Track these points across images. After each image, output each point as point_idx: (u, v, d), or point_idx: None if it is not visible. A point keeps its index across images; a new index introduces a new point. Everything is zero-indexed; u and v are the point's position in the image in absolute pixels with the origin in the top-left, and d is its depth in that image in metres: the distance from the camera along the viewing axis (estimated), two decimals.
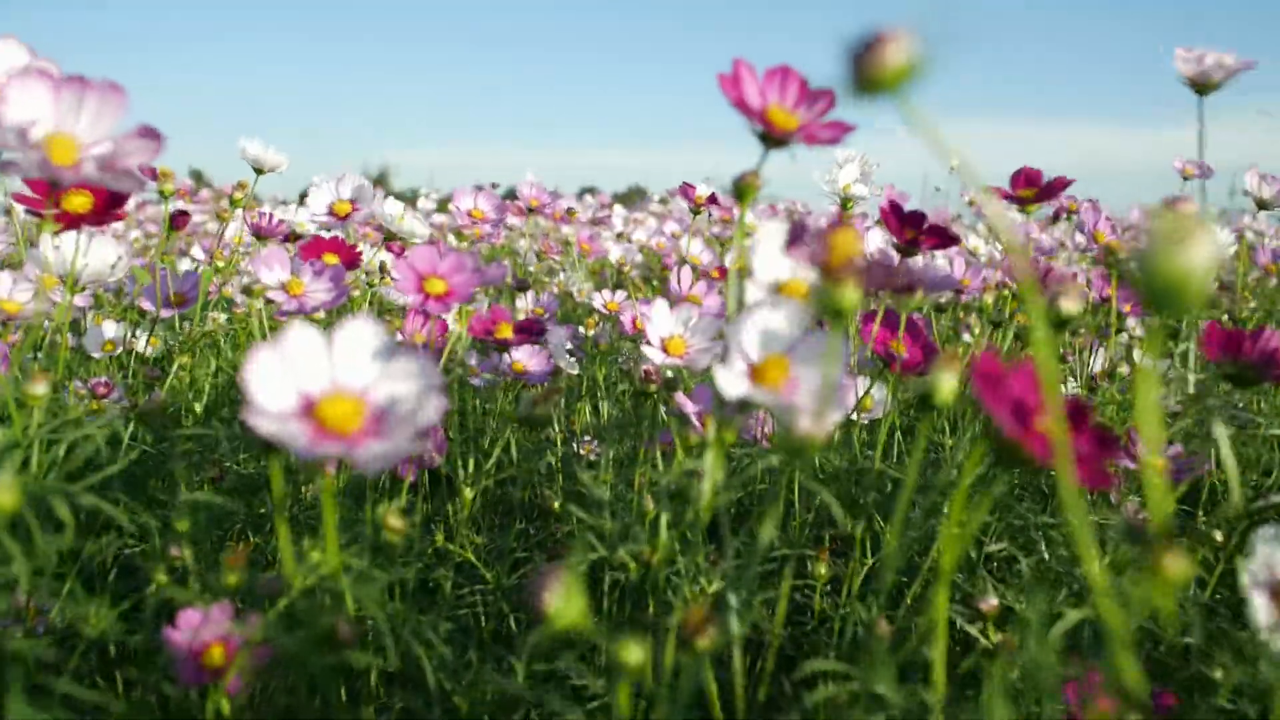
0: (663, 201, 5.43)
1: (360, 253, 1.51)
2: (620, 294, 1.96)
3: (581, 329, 2.04)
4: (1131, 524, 0.86)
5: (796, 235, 0.54)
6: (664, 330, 1.08)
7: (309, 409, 0.53)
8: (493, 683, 0.84)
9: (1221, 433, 0.75)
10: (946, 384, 0.58)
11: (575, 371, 1.73)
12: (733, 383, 0.64)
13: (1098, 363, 1.58)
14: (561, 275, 2.85)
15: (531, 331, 1.13)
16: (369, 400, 0.54)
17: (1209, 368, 0.88)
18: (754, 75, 0.71)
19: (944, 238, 1.09)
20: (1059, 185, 1.25)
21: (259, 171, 1.55)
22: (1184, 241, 0.32)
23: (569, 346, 1.79)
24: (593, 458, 1.69)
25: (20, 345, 1.38)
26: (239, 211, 1.63)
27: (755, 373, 0.65)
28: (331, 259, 1.48)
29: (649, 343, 1.06)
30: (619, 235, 3.34)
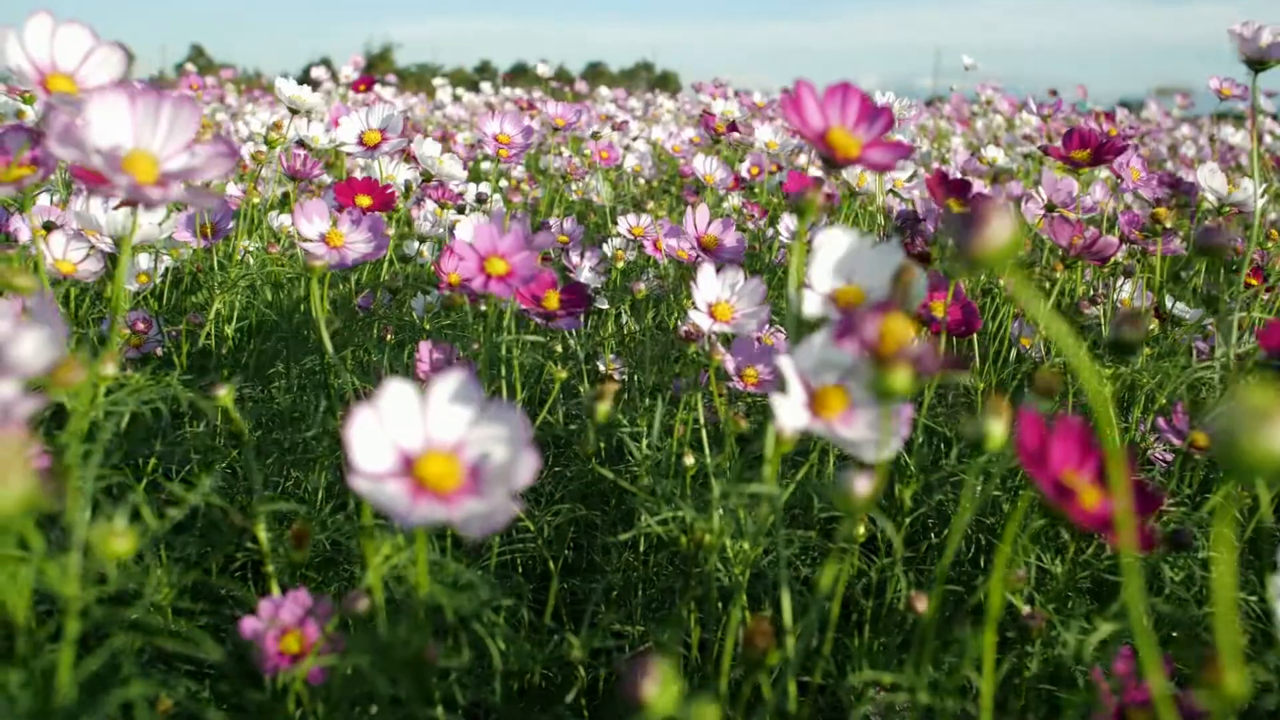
0: (672, 93, 5.35)
1: (394, 194, 1.52)
2: (645, 218, 1.96)
3: (606, 249, 2.05)
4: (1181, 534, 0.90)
5: (848, 324, 0.56)
6: (710, 295, 1.10)
7: (407, 467, 0.55)
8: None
9: None
10: (997, 431, 0.60)
11: (605, 306, 1.75)
12: (792, 413, 0.66)
13: (1125, 290, 1.60)
14: (580, 183, 2.85)
15: (577, 299, 1.15)
16: (463, 457, 0.57)
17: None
18: (814, 95, 0.72)
19: None
20: (1113, 148, 1.24)
21: (294, 112, 1.55)
22: (1269, 421, 0.35)
23: (594, 277, 1.81)
24: (617, 377, 1.73)
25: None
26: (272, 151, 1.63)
27: (814, 401, 0.67)
28: (364, 200, 1.49)
29: (696, 308, 1.08)
30: (634, 139, 3.32)
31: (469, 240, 0.92)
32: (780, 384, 0.67)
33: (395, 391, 0.56)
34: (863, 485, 0.57)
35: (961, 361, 0.56)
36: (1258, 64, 1.21)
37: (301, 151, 1.53)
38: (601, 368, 1.71)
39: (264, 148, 1.63)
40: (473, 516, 0.54)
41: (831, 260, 0.76)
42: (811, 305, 0.74)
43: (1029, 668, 0.88)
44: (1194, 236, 0.91)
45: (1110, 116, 2.49)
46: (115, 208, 1.20)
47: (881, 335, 0.53)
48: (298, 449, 1.34)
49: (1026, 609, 0.89)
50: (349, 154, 1.54)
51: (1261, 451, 0.35)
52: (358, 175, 2.19)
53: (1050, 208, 1.35)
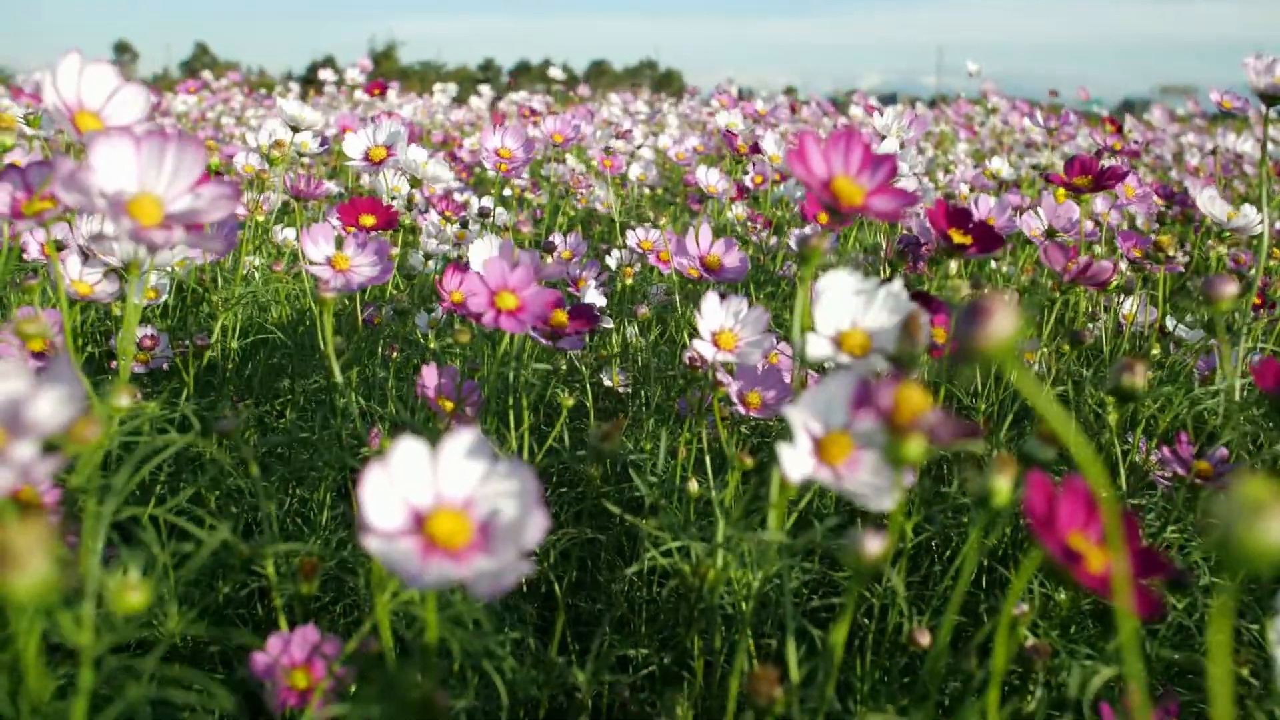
0: (676, 95, 5.36)
1: (397, 212, 1.53)
2: (654, 232, 1.97)
3: (610, 260, 2.06)
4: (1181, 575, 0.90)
5: (864, 394, 0.56)
6: (714, 324, 1.10)
7: (418, 524, 0.56)
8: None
9: None
10: (1003, 487, 0.61)
11: (610, 325, 1.76)
12: (798, 462, 0.67)
13: (1127, 306, 1.61)
14: (584, 191, 2.85)
15: (586, 318, 1.15)
16: (473, 514, 0.57)
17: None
18: (818, 144, 0.73)
19: (990, 239, 1.10)
20: (1115, 174, 1.25)
21: (295, 129, 1.55)
22: (1265, 514, 0.36)
23: (599, 296, 1.82)
24: (621, 390, 1.74)
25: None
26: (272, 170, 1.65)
27: (819, 449, 0.68)
28: (368, 219, 1.50)
29: (700, 337, 1.09)
30: (638, 148, 3.32)
31: (479, 273, 0.93)
32: (785, 432, 0.67)
33: (406, 449, 0.57)
34: (874, 545, 0.58)
35: (975, 429, 0.57)
36: (1270, 98, 1.21)
37: (307, 158, 1.53)
38: (607, 382, 1.71)
39: (267, 166, 1.64)
40: (482, 575, 0.54)
41: (836, 303, 0.77)
42: (816, 349, 0.75)
43: (1033, 698, 0.89)
44: (1199, 286, 0.91)
45: (1117, 126, 2.50)
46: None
47: (897, 404, 0.54)
48: (303, 467, 1.35)
49: (1030, 640, 0.90)
50: (353, 168, 1.56)
51: (1258, 544, 0.36)
52: (364, 181, 2.20)
53: (1051, 233, 1.36)
